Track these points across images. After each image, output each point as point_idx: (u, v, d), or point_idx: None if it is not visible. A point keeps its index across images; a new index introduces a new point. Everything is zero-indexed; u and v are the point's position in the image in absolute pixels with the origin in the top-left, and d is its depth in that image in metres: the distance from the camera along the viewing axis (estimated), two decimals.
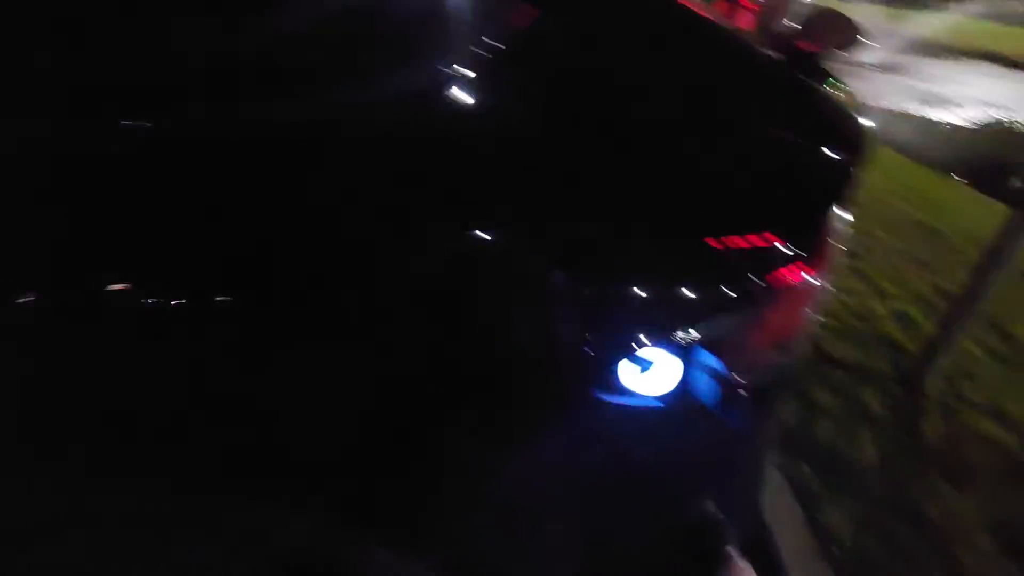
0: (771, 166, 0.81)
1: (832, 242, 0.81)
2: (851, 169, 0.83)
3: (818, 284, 0.79)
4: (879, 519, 1.76)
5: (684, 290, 0.75)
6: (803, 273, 0.79)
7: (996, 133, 6.91)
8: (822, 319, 2.67)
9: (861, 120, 0.86)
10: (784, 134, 0.81)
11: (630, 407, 0.77)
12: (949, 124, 7.65)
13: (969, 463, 2.00)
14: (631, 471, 0.80)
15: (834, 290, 2.96)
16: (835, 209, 0.84)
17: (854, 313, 2.78)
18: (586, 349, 0.74)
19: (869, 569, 1.61)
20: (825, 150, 0.82)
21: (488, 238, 0.69)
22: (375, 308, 0.69)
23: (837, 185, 0.82)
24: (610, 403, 0.78)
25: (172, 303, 0.62)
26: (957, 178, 5.87)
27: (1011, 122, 7.12)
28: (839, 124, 0.84)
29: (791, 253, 0.78)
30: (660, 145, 0.78)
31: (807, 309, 0.80)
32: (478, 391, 0.76)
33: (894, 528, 1.73)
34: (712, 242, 0.76)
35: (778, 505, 1.78)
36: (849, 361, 2.42)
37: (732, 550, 0.53)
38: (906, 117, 7.95)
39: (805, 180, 0.82)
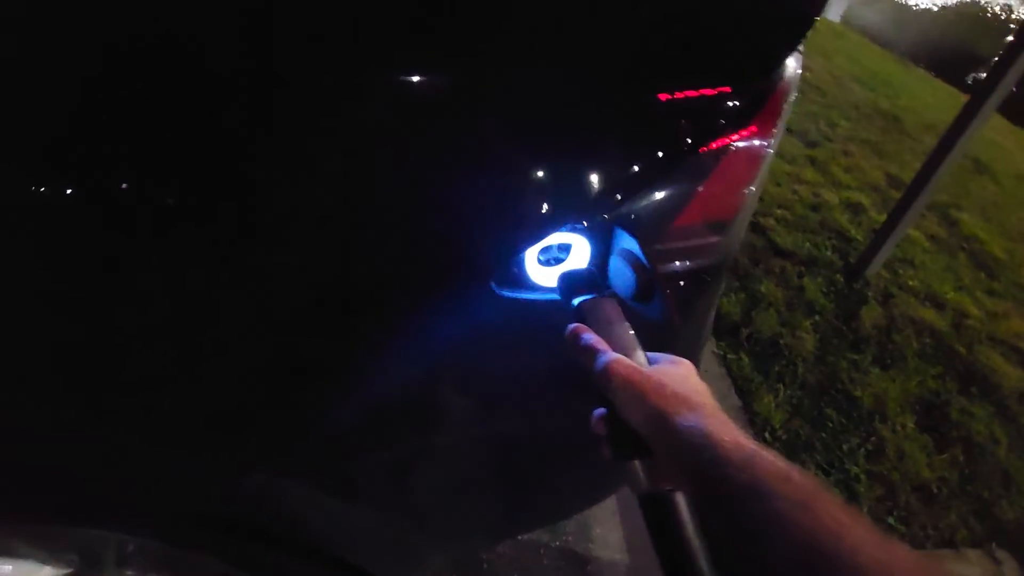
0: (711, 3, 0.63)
1: (782, 99, 0.65)
2: (813, 10, 0.66)
3: (765, 149, 0.64)
4: (811, 404, 1.79)
5: (602, 156, 0.59)
6: (747, 135, 0.63)
7: (959, 17, 6.68)
8: (777, 210, 2.60)
9: None
10: None
11: (534, 302, 0.64)
12: (915, 6, 7.34)
13: (900, 347, 2.05)
14: (536, 376, 0.69)
15: (790, 180, 2.88)
16: (788, 60, 0.67)
17: (807, 203, 2.71)
18: (481, 234, 0.59)
19: (797, 452, 1.65)
20: None
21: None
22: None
23: (794, 29, 0.65)
24: (512, 299, 0.64)
25: None
26: (919, 68, 5.72)
27: (976, 4, 6.88)
28: None
29: (734, 110, 0.62)
30: None
31: (751, 180, 0.66)
32: (357, 291, 0.61)
33: (824, 412, 1.77)
34: (639, 96, 0.59)
35: (715, 397, 1.78)
36: (797, 252, 2.38)
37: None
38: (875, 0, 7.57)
39: (756, 20, 0.64)
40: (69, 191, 0.49)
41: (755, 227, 2.49)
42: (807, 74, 4.31)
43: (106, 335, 0.56)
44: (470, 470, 0.83)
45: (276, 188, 0.53)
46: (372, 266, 0.58)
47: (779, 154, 3.12)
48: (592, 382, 0.45)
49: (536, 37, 0.56)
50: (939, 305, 2.26)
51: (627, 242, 0.62)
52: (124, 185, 0.50)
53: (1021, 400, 1.93)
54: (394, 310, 0.61)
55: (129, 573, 0.87)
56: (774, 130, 0.65)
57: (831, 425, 1.74)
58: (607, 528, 1.50)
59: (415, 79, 0.52)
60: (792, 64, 0.69)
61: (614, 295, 0.53)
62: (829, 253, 2.41)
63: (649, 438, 0.38)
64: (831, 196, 2.79)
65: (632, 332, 0.50)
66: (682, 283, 0.70)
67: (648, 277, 0.57)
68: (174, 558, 0.84)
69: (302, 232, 0.55)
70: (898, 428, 1.76)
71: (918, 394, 1.88)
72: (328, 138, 0.52)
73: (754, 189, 0.67)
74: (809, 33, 0.66)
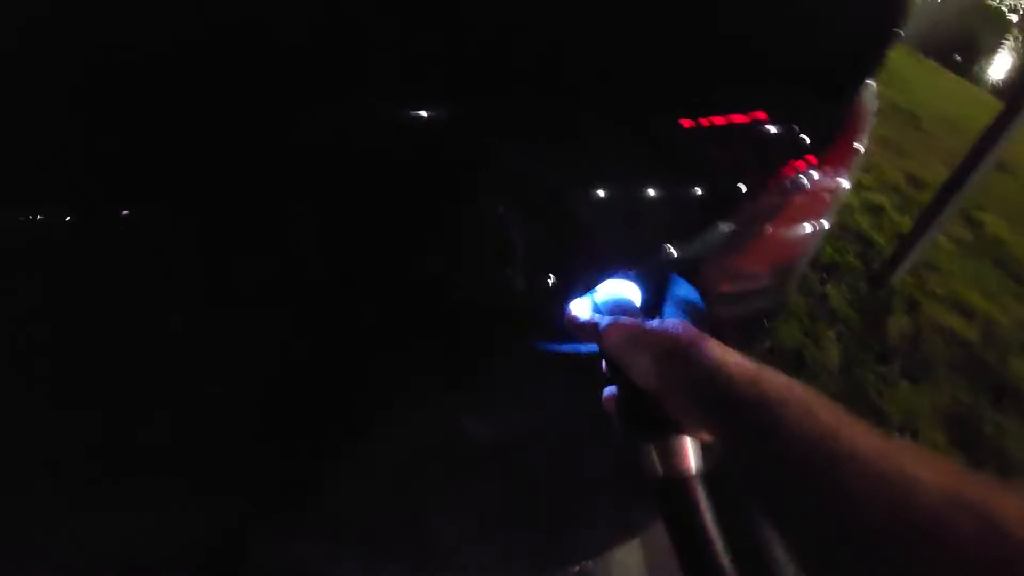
0: (781, 11, 0.56)
1: (860, 127, 0.58)
2: (898, 18, 0.58)
3: (838, 185, 0.58)
4: None
5: (653, 194, 0.53)
6: (819, 169, 0.57)
7: (966, 8, 6.58)
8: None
9: None
10: None
11: (582, 355, 0.58)
12: None
13: (929, 358, 1.98)
14: (583, 437, 0.63)
15: None
16: (867, 81, 0.60)
17: None
18: (522, 286, 0.53)
19: None
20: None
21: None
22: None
23: (874, 45, 0.58)
24: (557, 353, 0.58)
25: None
26: (930, 60, 5.61)
27: None
28: None
29: (805, 141, 0.56)
30: None
31: (819, 219, 0.59)
32: (386, 356, 0.56)
33: None
34: (692, 124, 0.53)
35: None
36: (819, 258, 2.31)
37: None
38: None
39: (830, 36, 0.57)
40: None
41: None
42: None
43: (116, 385, 0.51)
44: (496, 517, 0.79)
45: (302, 250, 0.47)
46: (403, 321, 0.53)
47: None
48: (598, 356, 0.46)
49: (588, 72, 0.49)
50: (967, 313, 2.19)
51: (683, 289, 0.55)
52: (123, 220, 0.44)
53: None
54: (426, 365, 0.56)
55: None
56: (851, 162, 0.58)
57: None
58: (626, 551, 1.45)
59: (445, 115, 0.46)
60: (872, 88, 0.62)
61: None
62: (852, 258, 2.33)
63: (659, 383, 0.39)
64: (851, 198, 2.71)
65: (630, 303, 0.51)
66: (740, 328, 0.64)
67: (707, 326, 0.51)
68: None
69: (333, 288, 0.50)
70: (930, 445, 1.70)
71: (950, 408, 1.82)
72: (367, 193, 0.47)
73: (825, 226, 0.60)
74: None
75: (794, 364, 1.87)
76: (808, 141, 0.56)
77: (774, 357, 1.88)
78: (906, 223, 2.20)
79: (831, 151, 0.57)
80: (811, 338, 1.97)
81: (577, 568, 1.43)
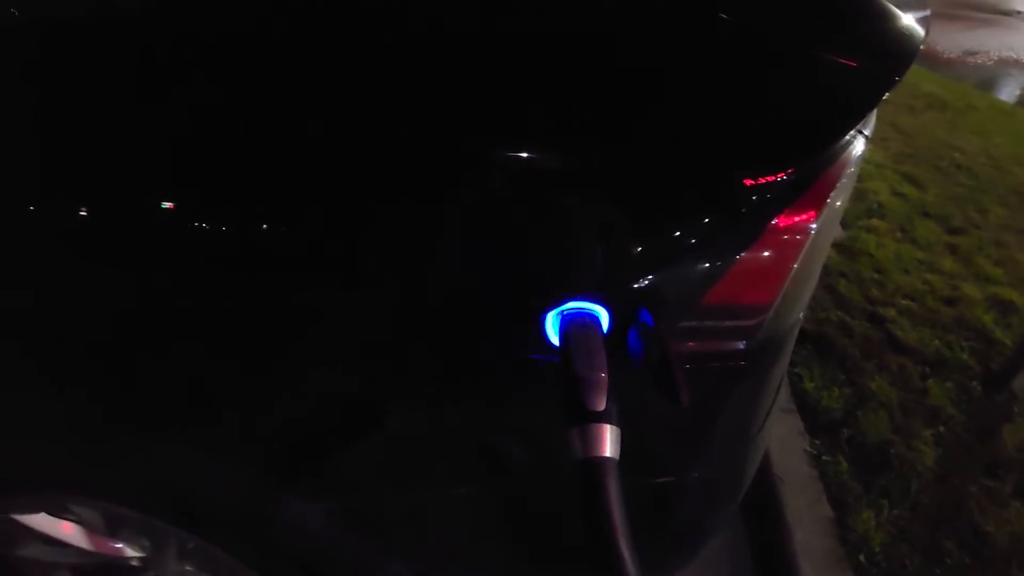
0: (762, 71, 0.60)
1: (837, 175, 0.61)
2: (881, 85, 0.61)
3: (810, 229, 0.60)
4: (924, 530, 1.51)
5: (628, 228, 0.59)
6: (792, 215, 0.60)
7: None
8: (901, 300, 2.32)
9: (907, 15, 0.63)
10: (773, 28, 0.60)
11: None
12: None
13: None
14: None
15: (921, 269, 2.57)
16: (850, 134, 0.64)
17: (940, 296, 2.39)
18: (513, 299, 0.61)
19: None
20: (838, 54, 0.61)
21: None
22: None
23: (856, 104, 0.61)
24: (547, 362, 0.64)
25: None
26: None
27: None
28: (862, 16, 0.61)
29: (778, 186, 0.60)
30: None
31: (791, 262, 0.62)
32: (389, 357, 0.65)
33: (940, 543, 1.48)
34: (673, 169, 0.59)
35: (802, 503, 1.58)
36: (923, 350, 2.08)
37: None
38: None
39: (810, 93, 0.61)
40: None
41: (871, 317, 2.23)
42: (956, 155, 3.87)
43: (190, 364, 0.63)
44: (503, 527, 0.82)
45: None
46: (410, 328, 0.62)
47: (911, 239, 2.81)
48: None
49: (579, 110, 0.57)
50: None
51: (647, 318, 0.60)
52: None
53: None
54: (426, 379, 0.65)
55: (188, 568, 0.95)
56: (822, 210, 0.60)
57: (949, 561, 1.45)
58: None
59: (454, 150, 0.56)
60: (859, 141, 0.65)
61: None
62: (965, 355, 2.08)
63: None
64: (973, 290, 2.43)
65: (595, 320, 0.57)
66: (711, 365, 0.66)
67: (657, 348, 0.55)
68: (218, 561, 0.89)
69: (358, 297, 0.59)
70: None
71: None
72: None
73: (797, 269, 0.62)
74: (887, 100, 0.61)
75: (876, 460, 1.69)
76: (791, 187, 0.59)
77: (852, 449, 1.71)
78: None
79: (804, 198, 0.60)
80: (901, 435, 1.76)
81: None
